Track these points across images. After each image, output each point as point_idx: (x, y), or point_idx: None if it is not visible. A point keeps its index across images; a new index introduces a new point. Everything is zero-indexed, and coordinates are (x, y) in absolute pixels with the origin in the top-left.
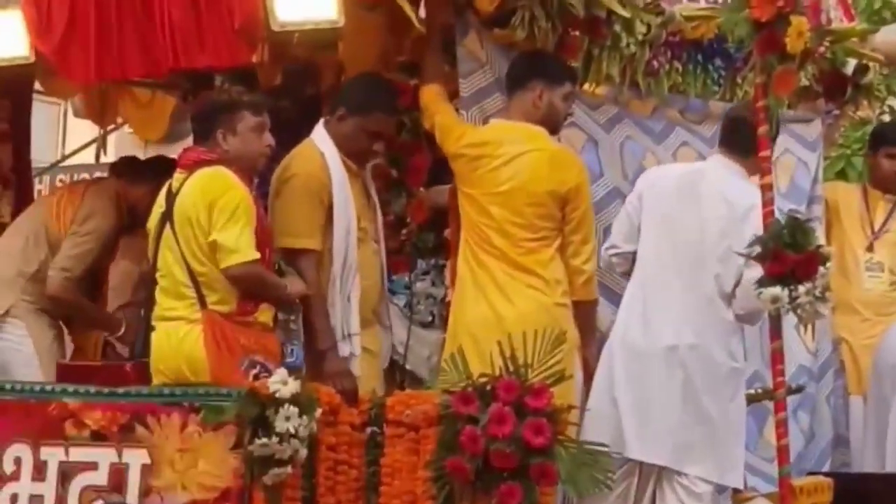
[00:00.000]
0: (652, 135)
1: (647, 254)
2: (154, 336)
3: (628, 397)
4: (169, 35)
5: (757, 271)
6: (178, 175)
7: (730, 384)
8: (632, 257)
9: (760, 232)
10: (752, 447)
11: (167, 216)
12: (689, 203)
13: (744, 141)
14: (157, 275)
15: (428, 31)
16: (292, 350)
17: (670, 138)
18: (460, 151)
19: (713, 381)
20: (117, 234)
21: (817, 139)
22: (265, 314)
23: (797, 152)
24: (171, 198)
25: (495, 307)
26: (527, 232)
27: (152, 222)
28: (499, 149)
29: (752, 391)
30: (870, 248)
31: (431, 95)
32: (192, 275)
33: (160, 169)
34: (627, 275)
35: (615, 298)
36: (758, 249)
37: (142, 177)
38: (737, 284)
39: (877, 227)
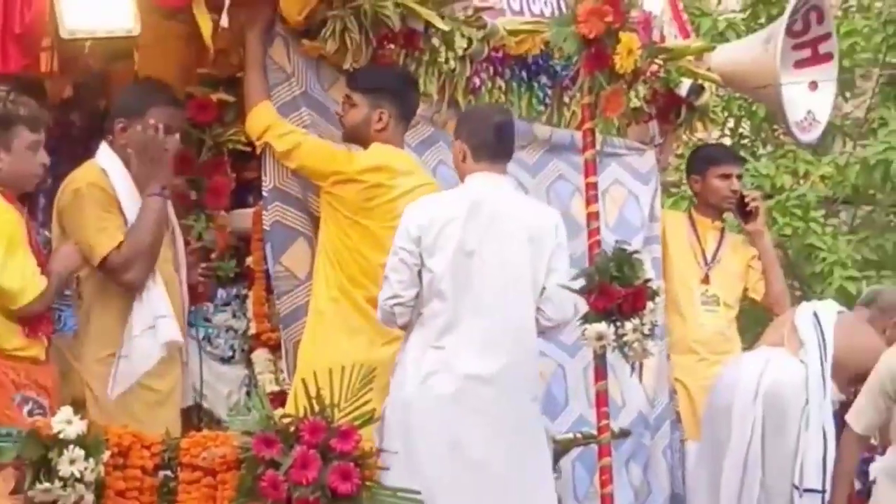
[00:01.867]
0: None
1: (440, 295)
2: None
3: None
4: None
5: (558, 277)
6: None
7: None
8: (415, 304)
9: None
10: (583, 496)
11: None
12: (481, 231)
13: (509, 146)
14: None
15: (243, 44)
16: (60, 316)
17: None
18: (355, 176)
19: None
20: None
21: (651, 171)
22: (36, 348)
23: (628, 184)
24: None
25: (371, 350)
26: None
27: None
28: (395, 177)
29: (574, 435)
30: (705, 280)
31: (271, 114)
32: None
33: None
34: (406, 326)
35: None
36: (582, 282)
37: None
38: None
39: (710, 257)
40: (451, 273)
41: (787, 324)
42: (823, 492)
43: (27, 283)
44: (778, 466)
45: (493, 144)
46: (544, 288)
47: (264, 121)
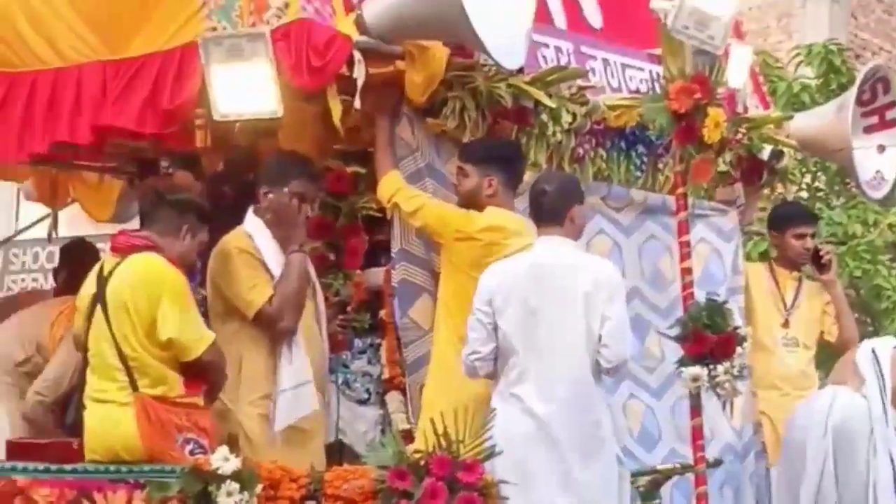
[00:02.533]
0: None
1: (512, 350)
2: (87, 417)
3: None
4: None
5: (611, 325)
6: (108, 258)
7: (604, 452)
8: (493, 357)
9: (622, 299)
10: None
11: (98, 298)
12: (543, 291)
13: (552, 210)
14: (88, 354)
15: (376, 121)
16: None
17: (588, 226)
18: (473, 234)
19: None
20: None
21: (733, 229)
22: (195, 395)
23: (712, 241)
24: (101, 280)
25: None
26: None
27: (83, 302)
28: (508, 237)
29: (673, 465)
30: (785, 325)
31: (399, 181)
32: (122, 358)
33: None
34: (491, 376)
35: None
36: (678, 330)
37: None
38: (599, 340)
39: (789, 304)
40: (520, 330)
41: (850, 363)
42: None
43: (201, 336)
44: (853, 493)
45: (535, 210)
46: (601, 336)
47: (393, 186)
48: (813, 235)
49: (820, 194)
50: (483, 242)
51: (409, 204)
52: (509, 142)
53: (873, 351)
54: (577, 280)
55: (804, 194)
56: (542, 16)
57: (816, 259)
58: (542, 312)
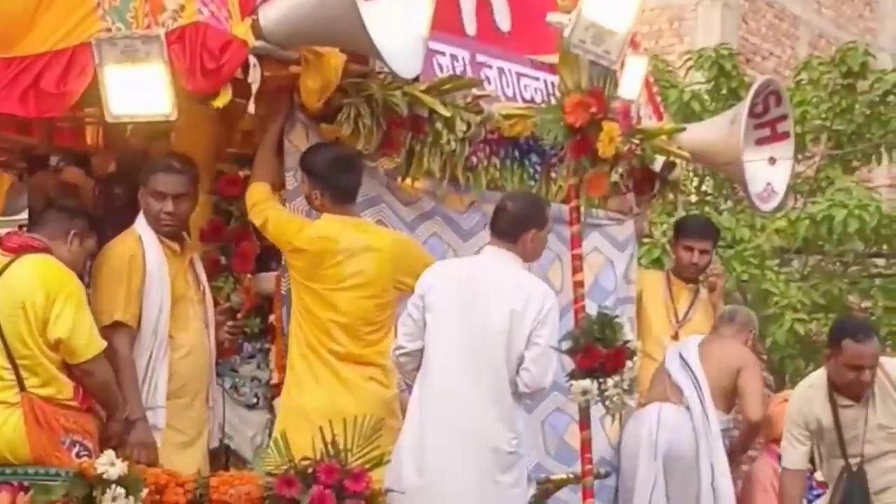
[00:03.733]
0: (459, 230)
1: (435, 350)
2: None
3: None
4: None
5: (537, 351)
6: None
7: (515, 466)
8: (419, 355)
9: (554, 326)
10: None
11: None
12: (472, 297)
13: (508, 227)
14: None
15: (266, 126)
16: None
17: (480, 234)
18: (301, 246)
19: (500, 467)
20: None
21: (628, 239)
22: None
23: (606, 251)
24: None
25: (335, 398)
26: (368, 325)
27: None
28: (338, 244)
29: (567, 475)
30: (675, 337)
31: (261, 193)
32: (10, 357)
33: None
34: (416, 371)
35: None
36: (569, 343)
37: None
38: (519, 365)
39: (681, 316)
40: (442, 332)
41: (664, 376)
42: None
43: (90, 342)
44: (681, 496)
45: (493, 223)
46: (524, 357)
47: (253, 197)
48: (704, 251)
49: (708, 199)
50: (312, 252)
51: (258, 217)
52: (338, 154)
53: (680, 355)
54: (507, 294)
55: (693, 198)
56: (454, 19)
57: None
58: (465, 317)
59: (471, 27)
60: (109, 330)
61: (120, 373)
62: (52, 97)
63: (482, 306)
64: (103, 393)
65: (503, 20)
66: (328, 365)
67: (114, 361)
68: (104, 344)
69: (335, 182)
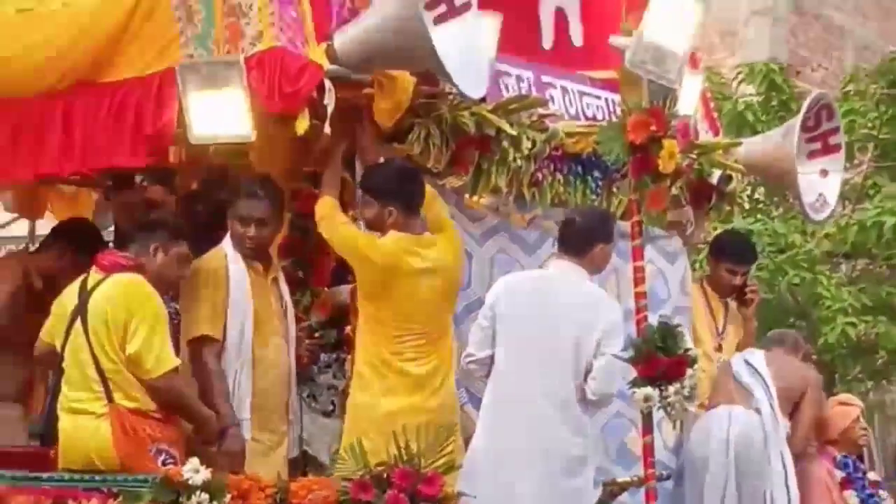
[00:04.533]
0: (524, 245)
1: (506, 358)
2: (61, 427)
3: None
4: (80, 138)
5: (605, 360)
6: (93, 274)
7: (583, 470)
8: (488, 362)
9: (620, 337)
10: None
11: (79, 311)
12: (542, 307)
13: (576, 241)
14: (64, 364)
15: (332, 144)
16: None
17: (542, 248)
18: (374, 259)
19: (569, 471)
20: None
21: (677, 251)
22: None
23: (658, 263)
24: (84, 294)
25: (413, 401)
26: (440, 330)
27: (62, 310)
28: (410, 258)
29: (631, 478)
30: (719, 349)
31: (329, 206)
32: (100, 370)
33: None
34: (485, 378)
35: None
36: (631, 353)
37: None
38: (587, 373)
39: (720, 328)
40: (514, 340)
41: (728, 380)
42: None
43: (162, 358)
44: (751, 496)
45: (561, 238)
46: (592, 366)
47: (321, 210)
48: (745, 274)
49: (760, 205)
50: (380, 266)
51: (326, 231)
52: (404, 168)
53: (746, 362)
54: (576, 306)
55: (746, 205)
56: (532, 33)
57: (741, 293)
58: (535, 326)
59: (548, 41)
60: (197, 342)
61: (209, 384)
62: (151, 139)
63: (552, 316)
64: (176, 409)
65: (577, 35)
66: (397, 372)
67: (202, 373)
68: (177, 362)
69: (412, 194)
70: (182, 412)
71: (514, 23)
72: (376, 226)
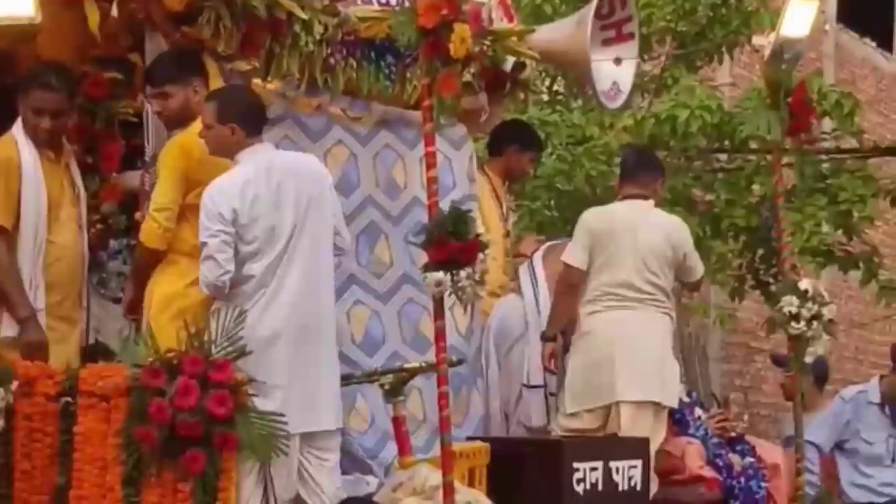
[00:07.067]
0: (309, 132)
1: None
2: None
3: None
4: None
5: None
6: None
7: None
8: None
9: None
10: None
11: None
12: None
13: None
14: None
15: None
16: None
17: (326, 137)
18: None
19: None
20: None
21: (462, 138)
22: None
23: (444, 150)
24: None
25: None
26: None
27: None
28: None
29: (419, 364)
30: (507, 235)
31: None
32: None
33: None
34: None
35: None
36: (423, 237)
37: None
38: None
39: (506, 215)
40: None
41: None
42: (544, 386)
43: None
44: (510, 373)
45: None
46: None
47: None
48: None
49: (559, 97)
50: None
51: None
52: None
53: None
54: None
55: (545, 97)
56: None
57: None
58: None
59: None
60: None
61: (1, 274)
62: None
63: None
64: None
65: None
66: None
67: None
68: None
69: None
70: None
71: None
72: (184, 109)
